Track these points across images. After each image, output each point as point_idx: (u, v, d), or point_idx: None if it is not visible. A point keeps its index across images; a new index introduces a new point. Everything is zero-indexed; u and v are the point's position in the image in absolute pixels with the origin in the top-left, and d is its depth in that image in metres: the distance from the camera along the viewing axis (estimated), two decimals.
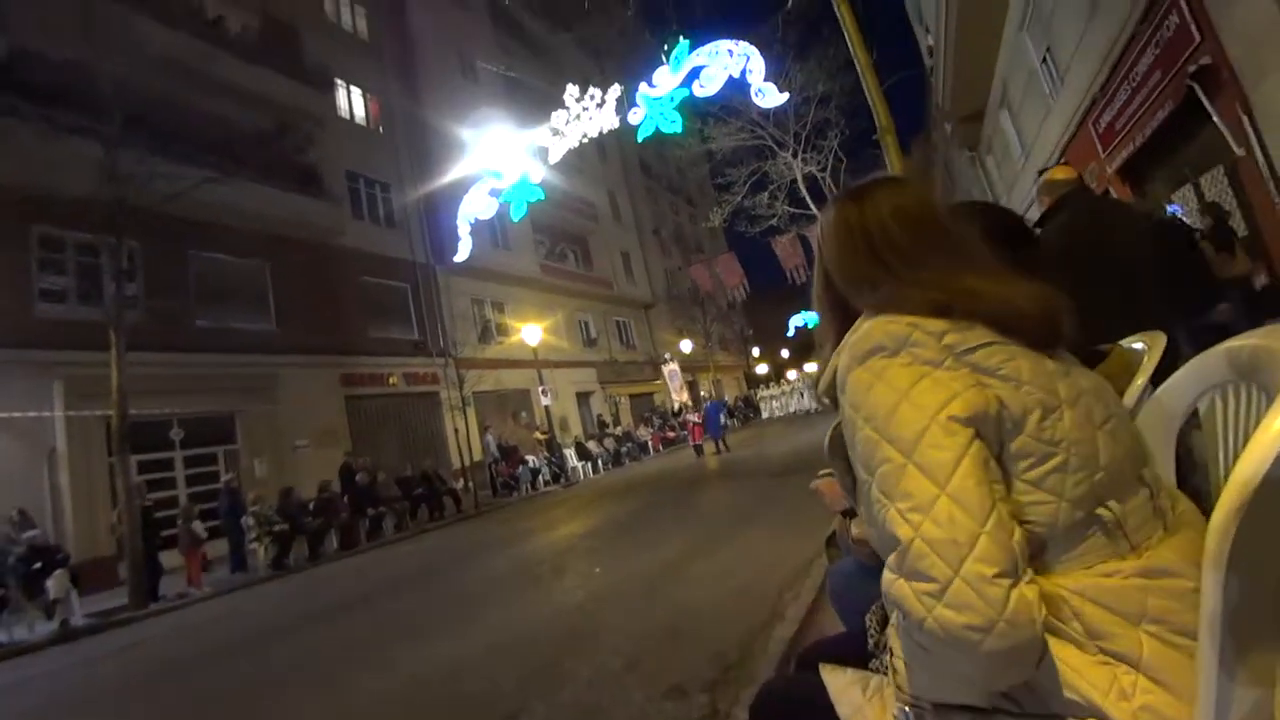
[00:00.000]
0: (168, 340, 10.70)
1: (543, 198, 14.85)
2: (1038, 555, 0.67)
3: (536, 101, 18.03)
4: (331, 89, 15.97)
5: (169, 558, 8.77)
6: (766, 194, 16.39)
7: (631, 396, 24.24)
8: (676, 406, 22.01)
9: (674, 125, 12.56)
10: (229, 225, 12.20)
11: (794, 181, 15.77)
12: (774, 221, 16.62)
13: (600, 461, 17.12)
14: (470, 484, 13.69)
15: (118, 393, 8.43)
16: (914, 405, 0.66)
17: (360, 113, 17.10)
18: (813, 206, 15.37)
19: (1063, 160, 8.98)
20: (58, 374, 9.52)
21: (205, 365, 11.42)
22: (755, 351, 38.80)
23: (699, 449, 14.91)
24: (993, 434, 0.67)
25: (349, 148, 15.96)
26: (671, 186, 33.15)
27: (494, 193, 14.59)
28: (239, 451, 12.00)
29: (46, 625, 7.00)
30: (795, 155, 15.37)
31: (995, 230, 1.06)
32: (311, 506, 10.73)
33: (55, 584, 6.95)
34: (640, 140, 14.39)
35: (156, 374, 9.98)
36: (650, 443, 19.73)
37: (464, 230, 15.35)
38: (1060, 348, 0.75)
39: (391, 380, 15.28)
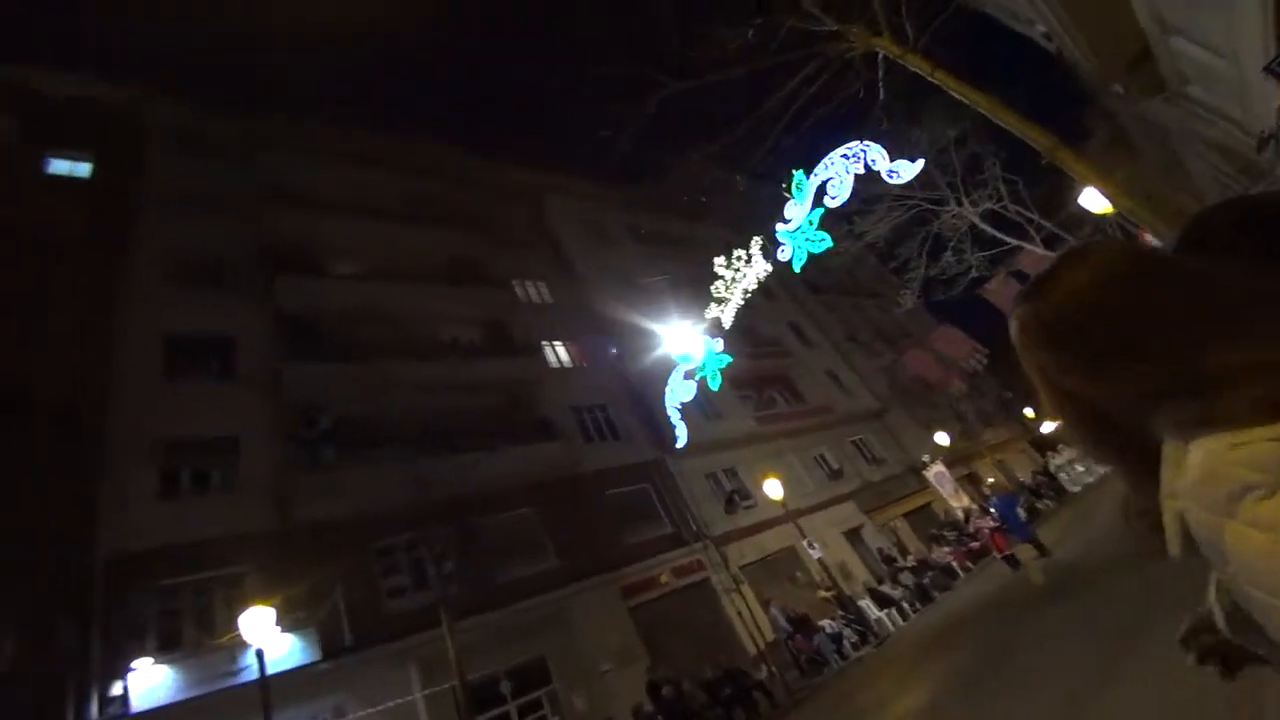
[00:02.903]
0: (480, 603, 12.29)
1: (731, 360, 15.46)
2: None
3: (696, 283, 19.71)
4: (540, 352, 19.21)
5: None
6: (949, 252, 15.15)
7: (906, 516, 21.38)
8: (961, 514, 18.68)
9: (821, 244, 12.69)
10: (499, 489, 14.34)
11: (973, 227, 14.47)
12: (973, 273, 15.06)
13: (904, 604, 14.78)
14: (773, 669, 12.58)
15: (456, 663, 9.74)
16: None
17: (565, 358, 20.10)
18: (1007, 239, 13.74)
19: None
20: (412, 657, 11.27)
21: (511, 616, 12.72)
22: (1029, 412, 32.55)
23: (1012, 560, 12.16)
24: None
25: (565, 389, 18.56)
26: (845, 290, 32.26)
27: (688, 375, 15.60)
28: (557, 691, 12.64)
29: None
30: (960, 203, 14.29)
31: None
32: None
33: None
34: (798, 270, 14.72)
35: (478, 636, 11.33)
36: (954, 562, 16.71)
37: (675, 418, 16.33)
38: None
39: (663, 579, 15.53)
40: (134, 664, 9.45)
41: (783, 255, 13.00)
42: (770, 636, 13.93)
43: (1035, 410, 32.33)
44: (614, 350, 20.45)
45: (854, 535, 19.70)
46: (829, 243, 12.84)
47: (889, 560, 18.03)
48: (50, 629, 9.09)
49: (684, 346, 15.59)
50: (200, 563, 10.87)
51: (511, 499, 14.69)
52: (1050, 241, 14.27)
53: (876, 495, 21.44)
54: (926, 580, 15.77)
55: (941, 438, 22.89)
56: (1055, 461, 21.80)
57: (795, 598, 15.96)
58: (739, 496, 18.71)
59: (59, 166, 15.78)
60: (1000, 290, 14.87)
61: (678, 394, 15.87)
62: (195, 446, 12.29)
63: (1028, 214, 14.20)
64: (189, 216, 16.08)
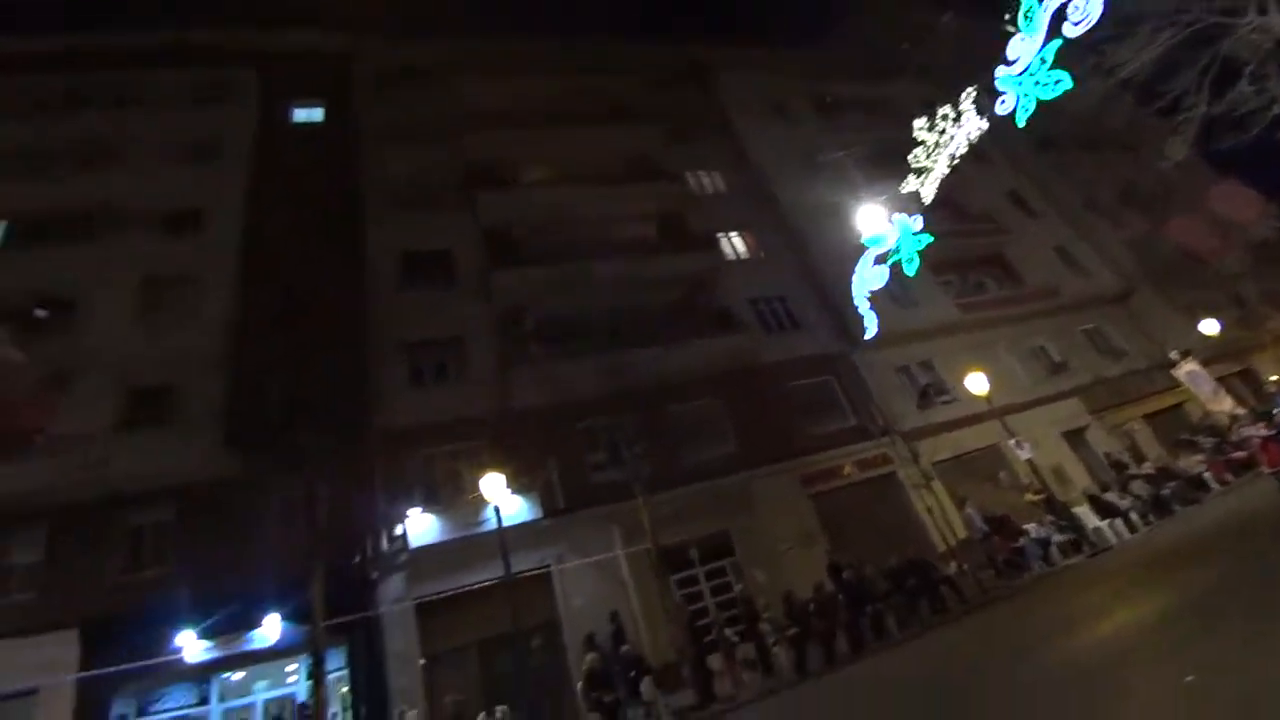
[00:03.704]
0: (669, 479, 13.46)
1: (931, 241, 13.79)
2: None
3: (890, 153, 17.49)
4: (716, 243, 19.04)
5: (711, 661, 10.33)
6: (1244, 81, 11.32)
7: (1147, 418, 18.17)
8: (1226, 418, 15.18)
9: (1057, 87, 10.19)
10: (684, 379, 15.08)
11: None
12: (1276, 108, 11.19)
13: (1133, 515, 13.00)
14: (964, 567, 12.16)
15: (650, 530, 11.02)
16: None
17: (742, 249, 19.65)
18: None
19: None
20: (614, 521, 12.89)
21: (697, 493, 13.79)
22: None
23: None
24: None
25: (743, 280, 18.35)
26: (1087, 144, 25.94)
27: (879, 260, 14.31)
28: (739, 562, 13.68)
29: None
30: (1264, 10, 10.43)
31: None
32: (812, 608, 11.22)
33: (647, 689, 8.98)
34: (1022, 125, 12.17)
35: (668, 509, 12.52)
36: (1208, 473, 14.05)
37: (864, 307, 15.29)
38: None
39: (845, 471, 15.47)
40: (408, 513, 12.23)
41: (1003, 107, 10.66)
42: (962, 535, 13.35)
43: None
44: (794, 237, 19.43)
45: (1076, 436, 17.41)
46: (1067, 84, 10.25)
47: (1119, 466, 15.74)
48: (350, 486, 12.02)
49: (874, 228, 14.18)
50: (446, 438, 13.46)
51: (694, 388, 15.40)
52: None
53: (1110, 393, 18.43)
54: (1166, 491, 13.55)
55: (1209, 325, 18.39)
56: None
57: (996, 499, 14.90)
58: (934, 391, 17.43)
59: (300, 115, 18.77)
60: None
61: (866, 281, 14.69)
62: (432, 345, 14.87)
63: None
64: (403, 145, 18.25)
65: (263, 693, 12.00)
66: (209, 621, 10.28)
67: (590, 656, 9.85)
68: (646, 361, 14.04)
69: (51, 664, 9.90)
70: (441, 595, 11.71)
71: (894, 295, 17.44)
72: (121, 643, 9.99)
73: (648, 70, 22.38)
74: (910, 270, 14.04)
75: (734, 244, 19.61)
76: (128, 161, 16.07)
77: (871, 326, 15.20)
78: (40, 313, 13.27)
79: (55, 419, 10.18)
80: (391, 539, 12.17)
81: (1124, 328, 20.67)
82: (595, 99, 20.03)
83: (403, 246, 16.14)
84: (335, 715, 11.20)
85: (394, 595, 11.70)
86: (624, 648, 10.04)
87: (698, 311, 16.82)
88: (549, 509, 13.05)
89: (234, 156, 16.72)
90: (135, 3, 20.29)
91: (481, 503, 10.94)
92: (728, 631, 11.14)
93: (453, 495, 12.85)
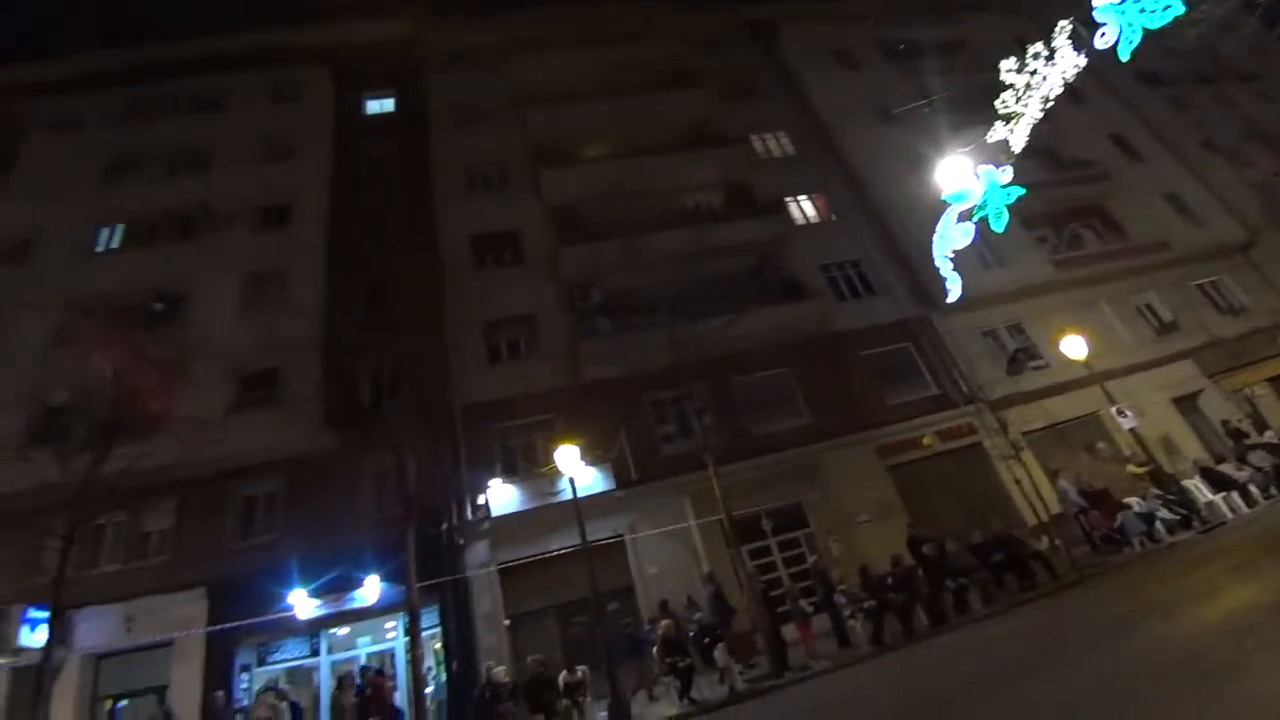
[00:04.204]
0: (739, 451, 13.47)
1: (1024, 193, 12.72)
2: None
3: (974, 99, 16.21)
4: (784, 208, 18.42)
5: (786, 631, 10.34)
6: None
7: (1272, 380, 16.30)
8: None
9: (1166, 12, 9.01)
10: (751, 349, 14.88)
11: None
12: None
13: (1251, 488, 11.84)
14: (1056, 542, 11.50)
15: (722, 500, 11.04)
16: None
17: (811, 213, 18.92)
18: None
19: None
20: (685, 491, 13.04)
21: (768, 465, 13.72)
22: None
23: None
24: None
25: (814, 245, 17.73)
26: (1202, 76, 23.07)
27: (963, 217, 13.36)
28: (814, 534, 13.53)
29: (718, 689, 9.13)
30: None
31: None
32: (890, 581, 10.97)
33: (720, 655, 9.13)
34: (1126, 59, 10.87)
35: (739, 480, 12.46)
36: None
37: (946, 269, 14.39)
38: None
39: (925, 441, 14.88)
40: (489, 483, 12.82)
41: (1103, 40, 9.60)
42: (1055, 509, 12.59)
43: None
44: (868, 197, 18.49)
45: (1187, 402, 15.93)
46: (1178, 9, 9.09)
47: (1237, 435, 14.30)
48: (436, 458, 12.68)
49: (957, 182, 13.23)
50: (521, 411, 14.02)
51: (764, 358, 15.17)
52: None
53: (1228, 354, 16.67)
54: None
55: None
56: None
57: (1094, 471, 13.91)
58: (1025, 355, 16.33)
59: (372, 106, 19.54)
60: None
61: (948, 241, 13.75)
62: (506, 323, 15.37)
63: None
64: (469, 128, 18.74)
65: (365, 647, 13.07)
66: (317, 582, 11.27)
67: (665, 623, 10.10)
68: (713, 332, 13.90)
69: (185, 619, 11.18)
70: (523, 561, 12.30)
71: (980, 254, 16.43)
72: (242, 600, 11.15)
73: (702, 32, 21.68)
74: (998, 226, 13.01)
75: (803, 208, 18.93)
76: (219, 163, 17.30)
77: (954, 289, 14.30)
78: (158, 307, 14.64)
79: (178, 403, 11.31)
80: (475, 508, 12.83)
81: (1245, 281, 18.55)
82: (651, 68, 19.67)
83: (474, 228, 16.64)
84: (430, 669, 12.07)
85: (479, 560, 12.39)
86: (698, 614, 10.21)
87: (767, 280, 16.44)
88: (622, 480, 13.32)
89: (314, 152, 17.62)
90: (201, 11, 21.50)
91: (557, 474, 11.30)
92: (802, 602, 11.12)
93: (530, 467, 13.35)
